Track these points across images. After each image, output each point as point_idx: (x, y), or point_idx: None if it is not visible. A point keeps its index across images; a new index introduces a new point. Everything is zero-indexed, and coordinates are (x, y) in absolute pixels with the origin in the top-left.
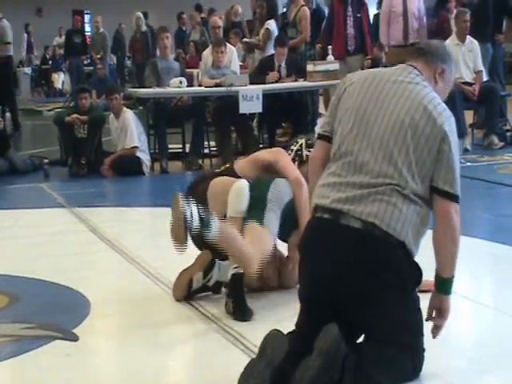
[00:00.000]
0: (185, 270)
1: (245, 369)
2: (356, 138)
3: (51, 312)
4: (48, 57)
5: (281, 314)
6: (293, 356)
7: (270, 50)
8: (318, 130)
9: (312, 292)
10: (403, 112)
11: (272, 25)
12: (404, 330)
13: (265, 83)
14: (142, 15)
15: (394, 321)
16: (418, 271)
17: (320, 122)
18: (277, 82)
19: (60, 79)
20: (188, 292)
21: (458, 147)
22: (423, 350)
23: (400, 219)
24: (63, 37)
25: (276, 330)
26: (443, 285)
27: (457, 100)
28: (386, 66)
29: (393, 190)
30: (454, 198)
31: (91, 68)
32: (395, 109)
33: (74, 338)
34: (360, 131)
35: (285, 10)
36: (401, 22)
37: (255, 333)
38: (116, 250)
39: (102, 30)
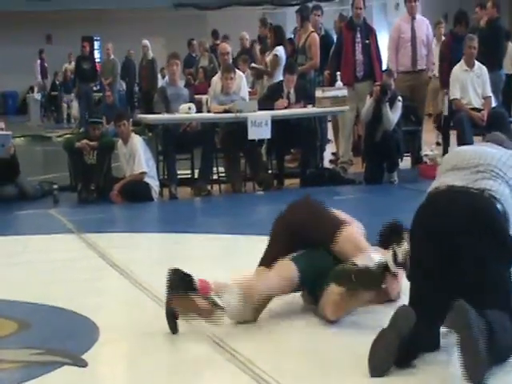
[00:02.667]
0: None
1: (376, 339)
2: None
3: (60, 338)
4: (58, 83)
5: (292, 340)
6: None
7: (279, 76)
8: None
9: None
10: None
11: (280, 51)
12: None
13: (273, 109)
14: (148, 43)
15: (503, 288)
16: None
17: (329, 147)
18: (285, 108)
19: (72, 105)
20: None
21: None
22: None
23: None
24: (73, 63)
25: (405, 305)
26: None
27: (465, 125)
28: (395, 93)
29: (495, 174)
30: None
31: (101, 94)
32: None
33: (83, 364)
34: None
35: (292, 36)
36: (409, 48)
37: (264, 358)
38: (125, 276)
39: (112, 56)
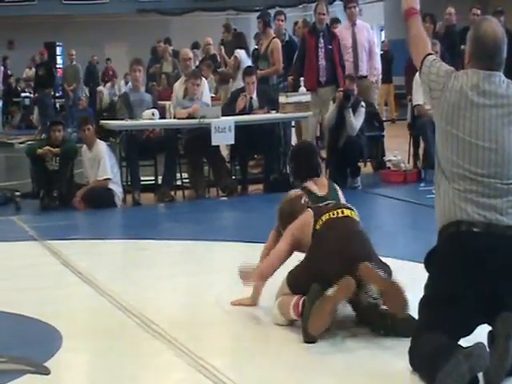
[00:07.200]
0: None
1: (449, 363)
2: None
3: (22, 345)
4: (20, 89)
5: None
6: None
7: (242, 82)
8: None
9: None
10: None
11: (240, 53)
12: None
13: (236, 114)
14: None
15: None
16: None
17: None
18: (248, 113)
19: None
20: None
21: None
22: None
23: None
24: (33, 69)
25: (482, 344)
26: None
27: (428, 132)
28: (358, 98)
29: None
30: None
31: (63, 100)
32: None
33: (46, 372)
34: None
35: (255, 45)
36: (351, 55)
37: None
38: (88, 283)
39: (74, 62)
